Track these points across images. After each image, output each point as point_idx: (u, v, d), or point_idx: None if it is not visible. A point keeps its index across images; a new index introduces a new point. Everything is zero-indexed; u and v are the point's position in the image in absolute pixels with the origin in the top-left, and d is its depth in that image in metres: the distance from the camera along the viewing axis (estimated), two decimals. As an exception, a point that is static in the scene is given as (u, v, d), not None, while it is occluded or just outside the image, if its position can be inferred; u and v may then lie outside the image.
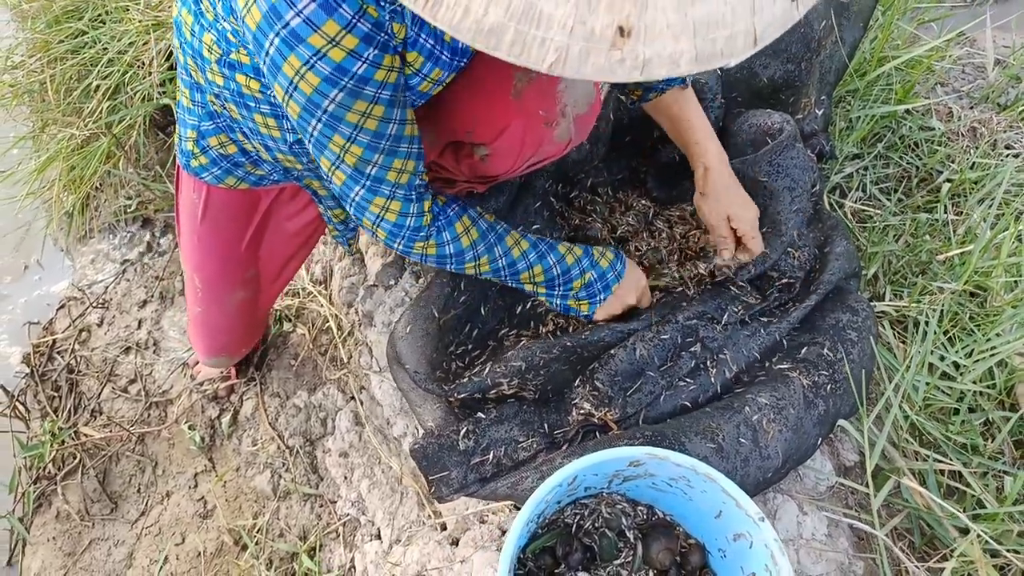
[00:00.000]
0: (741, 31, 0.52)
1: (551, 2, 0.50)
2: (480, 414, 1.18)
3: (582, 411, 1.15)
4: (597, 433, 1.16)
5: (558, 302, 1.23)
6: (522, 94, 0.96)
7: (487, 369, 1.18)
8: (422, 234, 1.04)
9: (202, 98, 1.06)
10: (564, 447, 1.15)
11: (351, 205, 1.01)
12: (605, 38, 0.50)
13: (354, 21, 0.77)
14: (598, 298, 1.21)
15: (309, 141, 0.91)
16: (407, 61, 0.87)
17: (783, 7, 0.53)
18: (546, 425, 1.17)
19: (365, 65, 0.81)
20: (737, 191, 1.29)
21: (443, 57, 0.89)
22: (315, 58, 0.78)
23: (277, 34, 0.77)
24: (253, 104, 0.98)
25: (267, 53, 0.80)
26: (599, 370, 1.17)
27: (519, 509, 1.09)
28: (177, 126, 1.17)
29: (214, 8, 0.90)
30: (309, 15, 0.75)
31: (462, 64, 0.93)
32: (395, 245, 1.05)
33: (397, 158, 0.94)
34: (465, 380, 1.18)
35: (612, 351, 1.18)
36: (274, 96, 0.93)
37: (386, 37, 0.81)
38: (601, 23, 0.50)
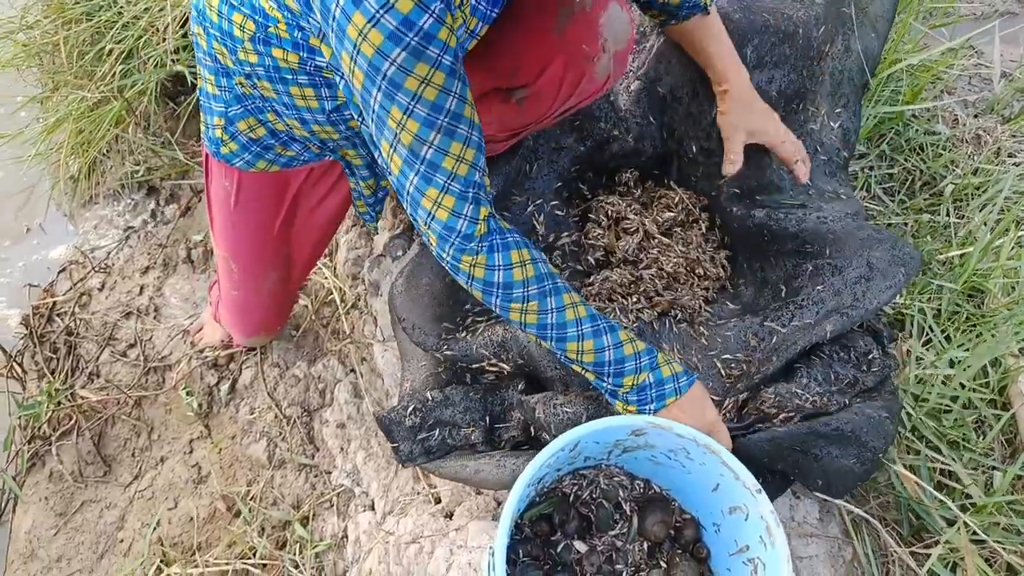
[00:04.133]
0: None
1: None
2: (428, 394, 1.18)
3: (523, 416, 1.17)
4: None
5: (607, 397, 1.06)
6: (565, 30, 0.96)
7: (476, 337, 1.20)
8: (472, 245, 0.95)
9: (228, 82, 1.07)
10: (503, 446, 1.17)
11: (407, 200, 0.95)
12: None
13: None
14: (648, 407, 1.03)
15: (372, 119, 0.88)
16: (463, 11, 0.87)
17: None
18: (488, 418, 1.18)
19: (431, 20, 0.78)
20: (758, 108, 1.30)
21: (480, 6, 0.90)
22: (381, 11, 0.77)
23: None
24: (290, 76, 0.98)
25: (334, 18, 0.79)
26: (519, 405, 1.16)
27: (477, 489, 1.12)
28: (202, 115, 1.17)
29: None
30: None
31: (494, 14, 0.94)
32: (445, 254, 0.97)
33: (455, 140, 0.89)
34: (460, 339, 1.20)
35: (523, 399, 1.16)
36: (313, 66, 0.93)
37: None
38: None
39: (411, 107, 0.85)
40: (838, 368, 1.18)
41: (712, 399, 1.10)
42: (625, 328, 1.06)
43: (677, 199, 1.41)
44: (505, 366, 1.20)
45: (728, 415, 1.16)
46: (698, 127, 1.39)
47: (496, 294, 0.98)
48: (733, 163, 1.30)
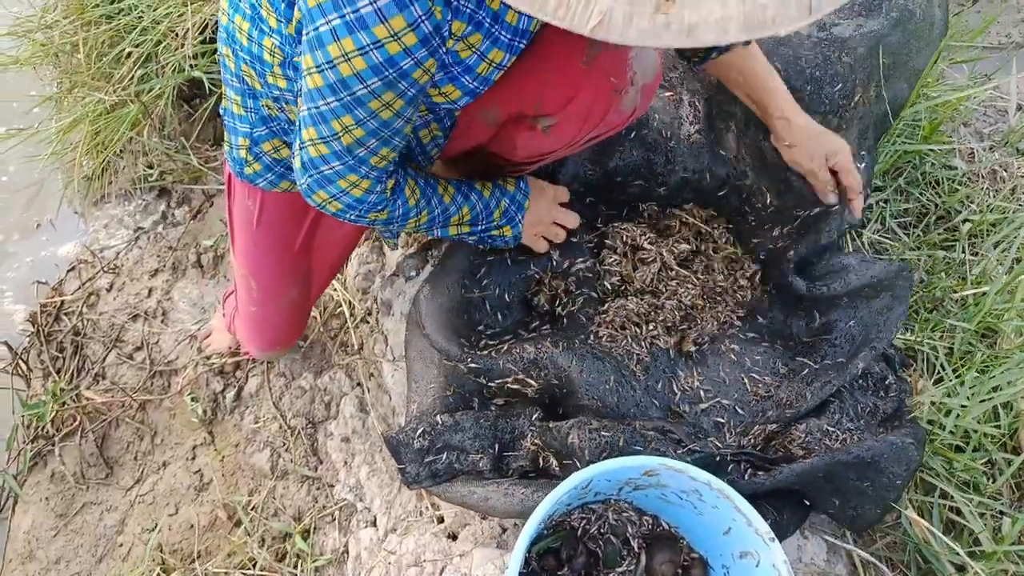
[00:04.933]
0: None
1: None
2: (438, 418, 1.20)
3: (535, 443, 1.17)
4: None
5: (483, 236, 1.24)
6: (594, 61, 0.97)
7: (502, 354, 1.21)
8: (380, 207, 1.05)
9: (255, 104, 1.08)
10: (511, 475, 1.17)
11: (314, 175, 1.00)
12: (650, 1, 0.50)
13: (419, 21, 0.78)
14: (516, 219, 1.24)
15: (310, 110, 0.91)
16: (469, 42, 0.88)
17: None
18: (497, 446, 1.18)
19: (412, 63, 0.83)
20: (824, 131, 1.30)
21: (502, 37, 0.90)
22: (372, 47, 0.79)
23: (342, 16, 0.78)
24: None
25: (317, 28, 0.81)
26: (545, 432, 1.16)
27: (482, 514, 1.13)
28: (226, 134, 1.18)
29: (276, 12, 0.91)
30: (381, 6, 0.76)
31: (522, 46, 0.94)
32: (347, 216, 1.06)
33: (388, 148, 0.96)
34: (484, 353, 1.21)
35: (552, 425, 1.16)
36: None
37: (438, 42, 0.83)
38: None
39: (365, 120, 0.90)
40: (859, 396, 1.22)
41: (737, 426, 1.19)
42: (474, 180, 1.19)
43: (683, 225, 1.40)
44: (533, 384, 1.21)
45: (754, 441, 1.18)
46: (777, 177, 1.39)
47: (396, 220, 1.11)
48: (833, 192, 1.31)
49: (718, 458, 1.11)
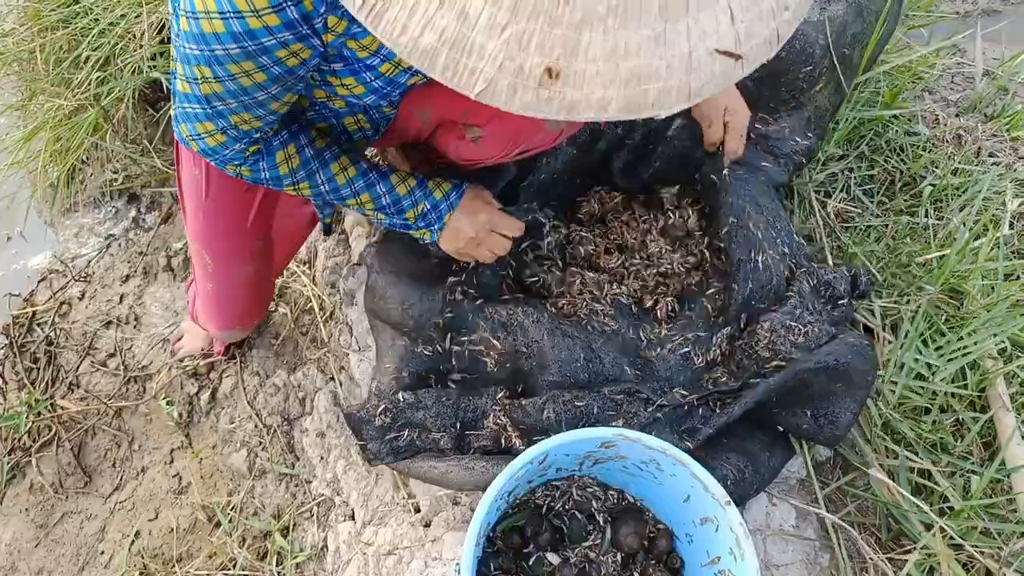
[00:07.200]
0: (675, 86, 0.52)
1: (483, 35, 0.50)
2: (401, 395, 1.20)
3: (499, 422, 1.17)
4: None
5: (400, 229, 1.22)
6: None
7: (478, 308, 1.22)
8: (237, 163, 1.03)
9: None
10: (472, 453, 1.18)
11: (179, 109, 0.97)
12: (534, 77, 0.51)
13: (284, 5, 0.76)
14: (434, 227, 1.19)
15: (178, 47, 0.88)
16: (362, 44, 0.86)
17: (723, 67, 0.53)
18: (459, 424, 1.19)
19: (274, 41, 0.80)
20: (734, 91, 1.31)
21: None
22: (232, 15, 0.77)
23: None
24: None
25: None
26: (514, 409, 1.17)
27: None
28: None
29: None
30: None
31: None
32: (208, 159, 1.04)
33: (249, 113, 0.93)
34: (461, 299, 1.23)
35: (524, 401, 1.16)
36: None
37: (308, 31, 0.80)
38: (531, 63, 0.51)
39: (223, 79, 0.86)
40: (814, 299, 1.26)
41: (700, 334, 1.24)
42: (396, 172, 1.15)
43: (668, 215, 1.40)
44: (498, 346, 1.22)
45: (721, 349, 1.23)
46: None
47: (267, 183, 1.08)
48: (714, 143, 1.33)
49: (686, 407, 1.12)
